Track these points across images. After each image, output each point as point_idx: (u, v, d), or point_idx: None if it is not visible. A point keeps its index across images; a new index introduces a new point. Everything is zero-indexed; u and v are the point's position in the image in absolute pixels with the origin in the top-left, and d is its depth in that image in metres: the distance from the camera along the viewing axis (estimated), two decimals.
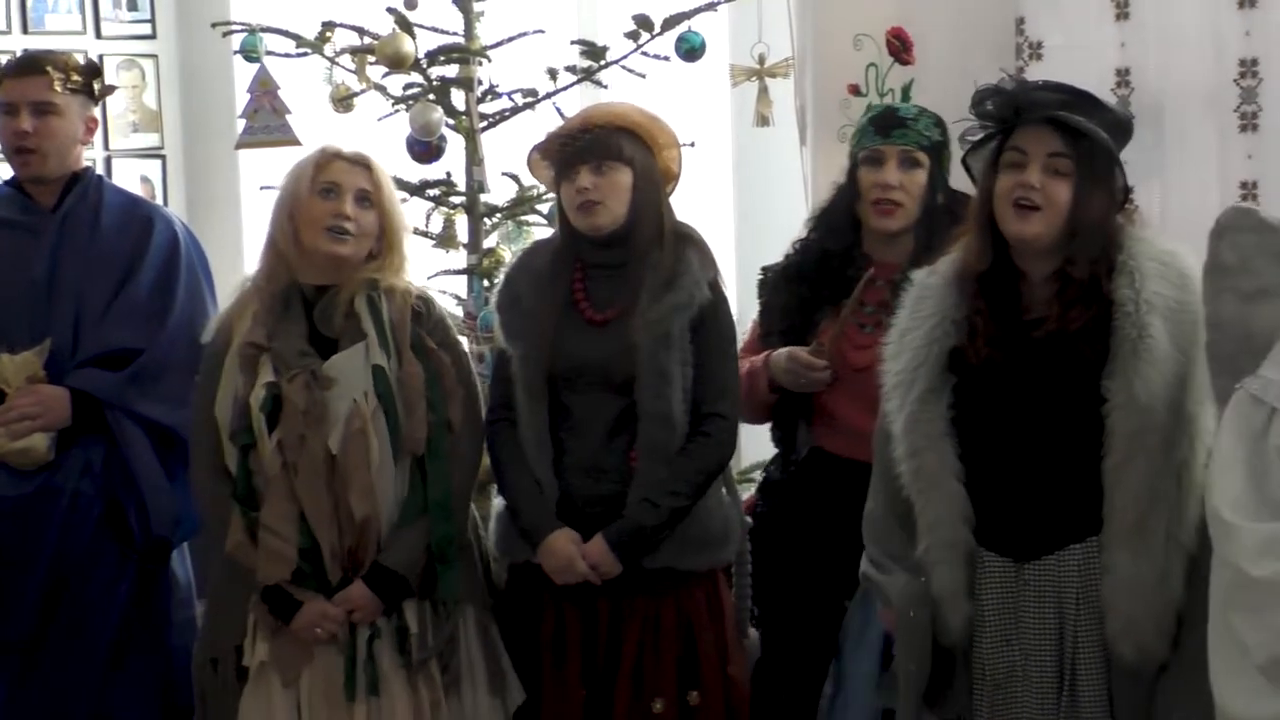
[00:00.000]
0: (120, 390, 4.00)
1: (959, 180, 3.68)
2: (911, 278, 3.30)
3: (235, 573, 3.55)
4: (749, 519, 3.87)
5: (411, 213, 4.11)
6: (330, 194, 3.55)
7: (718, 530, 3.66)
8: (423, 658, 3.55)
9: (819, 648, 3.63)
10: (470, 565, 3.67)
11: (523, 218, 4.58)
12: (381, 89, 4.53)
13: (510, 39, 4.52)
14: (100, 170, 5.55)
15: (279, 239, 3.58)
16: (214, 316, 3.81)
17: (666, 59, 4.43)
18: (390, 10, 4.41)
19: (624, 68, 4.47)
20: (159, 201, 5.79)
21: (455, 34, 4.53)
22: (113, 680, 4.02)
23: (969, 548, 3.11)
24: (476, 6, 4.53)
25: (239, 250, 5.76)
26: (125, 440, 4.01)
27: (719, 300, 3.65)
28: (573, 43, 4.56)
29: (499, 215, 4.57)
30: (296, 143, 4.44)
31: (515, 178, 4.52)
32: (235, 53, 4.66)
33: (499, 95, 4.54)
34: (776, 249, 3.95)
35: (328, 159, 3.59)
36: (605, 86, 4.52)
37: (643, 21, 4.40)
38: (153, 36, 6.00)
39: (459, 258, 4.57)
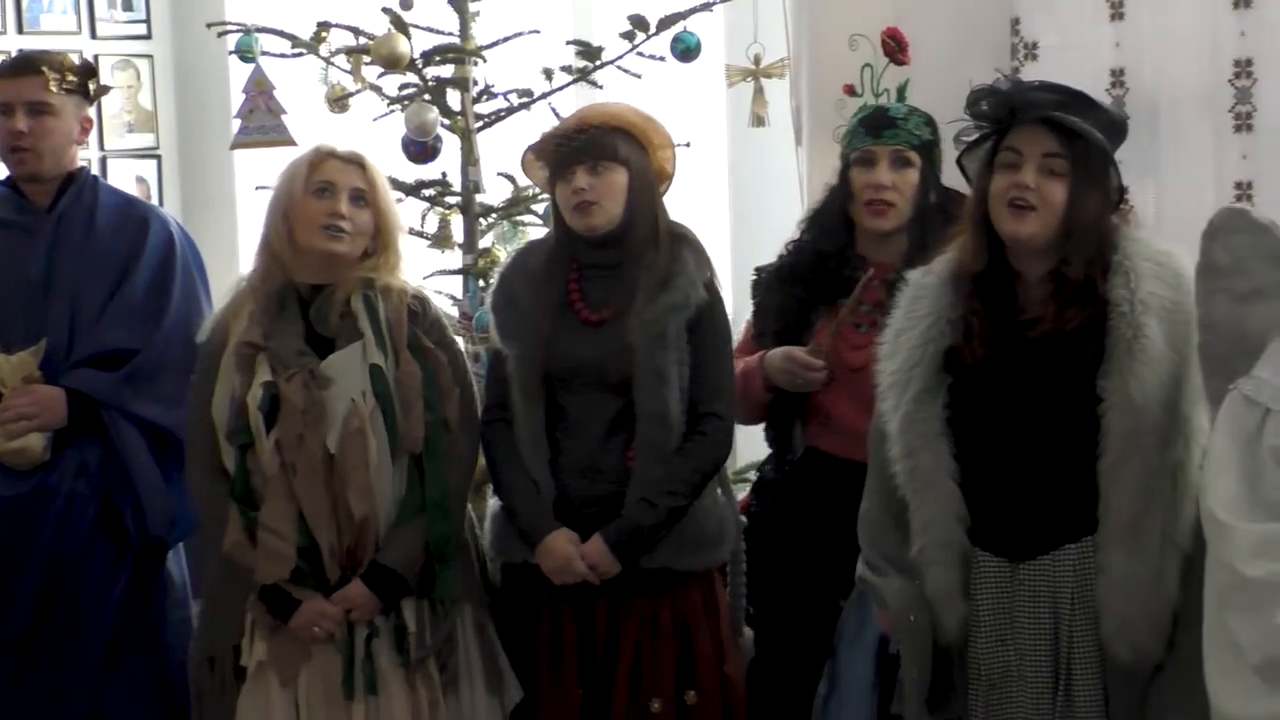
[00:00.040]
0: (116, 390, 4.00)
1: (950, 178, 3.69)
2: (907, 277, 3.30)
3: (232, 572, 3.55)
4: (743, 518, 3.87)
5: (407, 213, 4.12)
6: (325, 193, 3.55)
7: (714, 530, 3.66)
8: (421, 656, 3.55)
9: (814, 647, 3.62)
10: (467, 564, 3.67)
11: (518, 218, 4.58)
12: (377, 89, 4.53)
13: (505, 39, 4.52)
14: (95, 170, 5.53)
15: (274, 239, 3.58)
16: (209, 316, 3.80)
17: (662, 59, 4.43)
18: (385, 10, 4.41)
19: (619, 68, 4.47)
20: (154, 202, 5.77)
21: (450, 34, 4.53)
22: (108, 680, 4.01)
23: (964, 548, 3.12)
24: (472, 7, 4.53)
25: (234, 250, 5.75)
26: (121, 440, 4.01)
27: (714, 300, 3.65)
28: (568, 43, 4.56)
29: (494, 215, 4.57)
30: (292, 143, 4.43)
31: (511, 178, 4.52)
32: (230, 53, 4.65)
33: (494, 95, 4.54)
34: (772, 249, 3.95)
35: (322, 158, 3.59)
36: (601, 87, 4.52)
37: (638, 22, 4.40)
38: (148, 37, 5.99)
39: (454, 258, 4.57)
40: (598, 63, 4.48)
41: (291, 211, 3.55)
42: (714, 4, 4.45)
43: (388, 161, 4.05)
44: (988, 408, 3.12)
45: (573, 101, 4.51)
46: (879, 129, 3.75)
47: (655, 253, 3.60)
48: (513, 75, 4.60)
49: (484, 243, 4.55)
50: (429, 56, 4.49)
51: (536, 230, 4.45)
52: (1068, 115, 3.06)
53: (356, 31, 4.53)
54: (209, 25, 4.79)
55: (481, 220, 4.56)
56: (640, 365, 3.53)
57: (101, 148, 5.83)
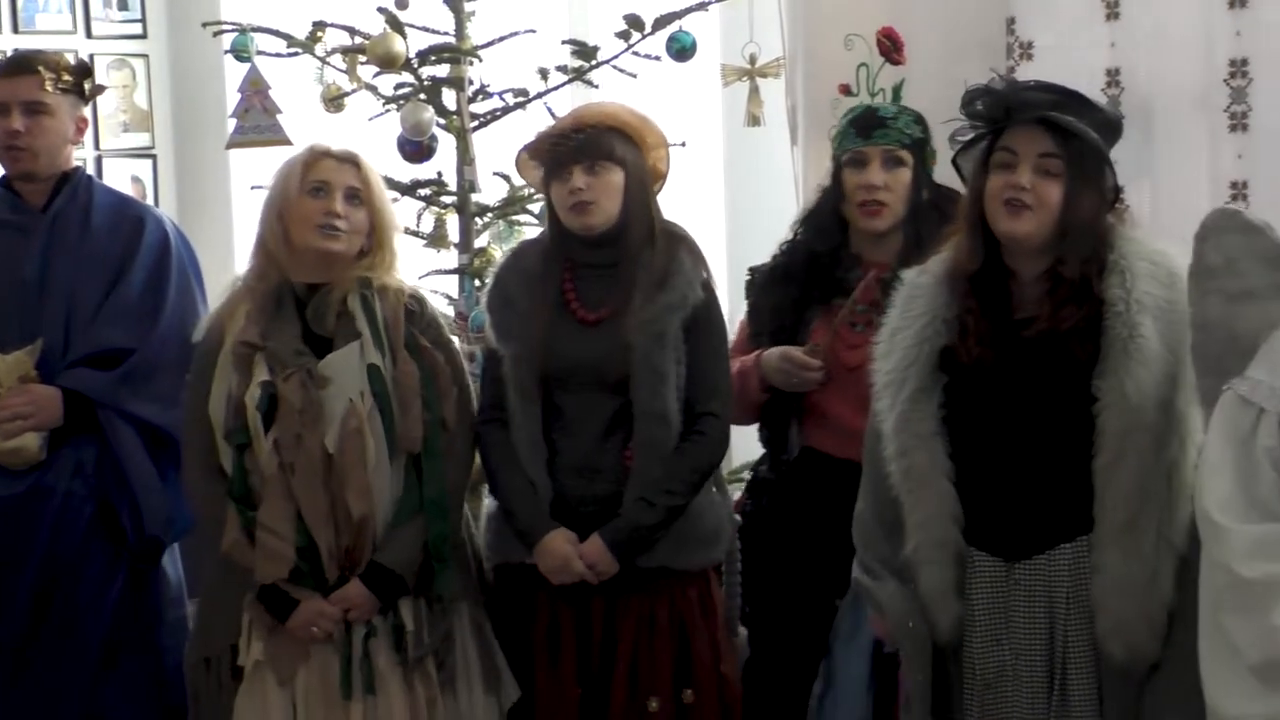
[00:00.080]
0: (112, 390, 4.00)
1: (942, 177, 3.69)
2: (902, 277, 3.30)
3: (229, 572, 3.55)
4: (738, 518, 3.88)
5: (403, 212, 4.11)
6: (320, 192, 3.55)
7: (711, 529, 3.66)
8: (419, 655, 3.55)
9: (809, 646, 3.63)
10: (464, 563, 3.68)
11: (514, 217, 4.58)
12: (372, 89, 4.54)
13: (501, 39, 4.52)
14: (91, 170, 5.54)
15: (269, 238, 3.58)
16: (204, 316, 3.80)
17: (658, 59, 4.43)
18: (381, 10, 4.40)
19: (615, 67, 4.47)
20: (150, 201, 5.78)
21: (446, 34, 4.53)
22: (104, 680, 4.02)
23: (958, 547, 3.12)
24: (467, 6, 4.53)
25: (230, 250, 5.75)
26: (117, 440, 4.01)
27: (711, 300, 3.66)
28: (564, 42, 4.56)
29: (490, 215, 4.57)
30: (287, 142, 4.44)
31: (506, 177, 4.52)
32: (226, 52, 4.65)
33: (490, 95, 4.54)
34: (767, 248, 3.95)
35: (316, 157, 3.59)
36: (596, 86, 4.52)
37: (634, 21, 4.40)
38: (143, 36, 5.99)
39: (450, 257, 4.58)
40: (593, 62, 4.48)
41: (287, 211, 3.55)
42: (709, 3, 4.44)
43: (383, 161, 4.05)
44: (983, 407, 3.13)
45: (568, 101, 4.52)
46: (869, 129, 3.75)
47: (652, 252, 3.60)
48: (508, 75, 4.60)
49: (479, 242, 4.55)
50: (424, 56, 4.48)
51: (532, 230, 4.45)
52: (1063, 115, 3.06)
53: (352, 31, 4.53)
54: (204, 25, 4.79)
55: (477, 220, 4.56)
56: (638, 364, 3.53)
57: (97, 147, 5.83)
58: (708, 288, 3.65)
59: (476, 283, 4.38)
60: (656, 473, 3.54)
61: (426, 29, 4.52)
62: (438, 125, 4.46)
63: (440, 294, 4.45)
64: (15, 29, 5.66)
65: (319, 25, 4.55)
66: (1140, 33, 4.08)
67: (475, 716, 3.62)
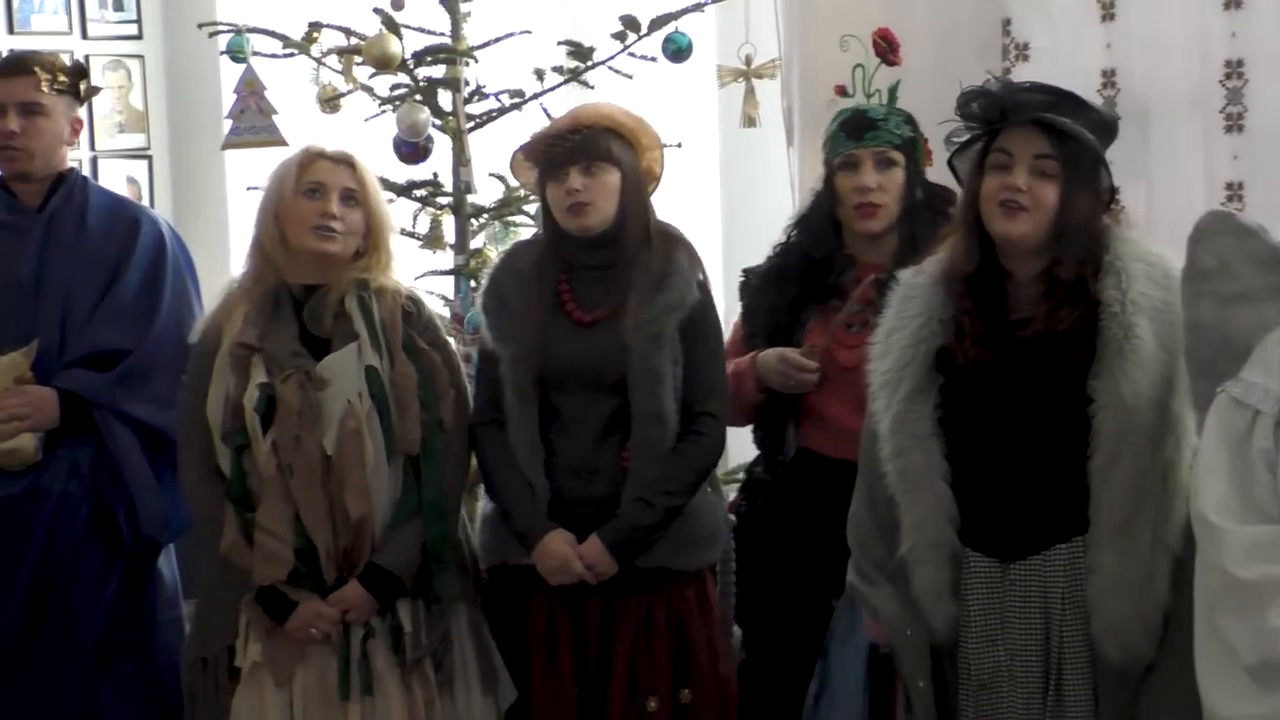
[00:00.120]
0: (108, 391, 4.00)
1: (938, 177, 3.69)
2: (898, 277, 3.31)
3: (227, 573, 3.55)
4: (732, 518, 3.88)
5: (398, 213, 4.11)
6: (315, 194, 3.54)
7: (708, 529, 3.67)
8: (417, 657, 3.55)
9: (805, 647, 3.63)
10: (462, 564, 3.68)
11: (510, 218, 4.58)
12: (368, 89, 4.53)
13: (497, 39, 4.52)
14: (87, 171, 5.55)
15: (265, 240, 3.58)
16: (201, 317, 3.80)
17: (653, 60, 4.43)
18: (377, 11, 4.40)
19: (611, 68, 4.47)
20: (145, 202, 5.78)
21: (442, 34, 4.53)
22: (100, 680, 4.01)
23: (954, 548, 3.12)
24: (463, 7, 4.53)
25: (226, 250, 5.75)
26: (114, 440, 4.00)
27: (707, 301, 3.66)
28: (560, 43, 4.56)
29: (486, 216, 4.57)
30: (283, 143, 4.44)
31: (502, 178, 4.52)
32: (222, 53, 4.65)
33: (486, 96, 4.54)
34: (763, 249, 3.95)
35: (311, 159, 3.59)
36: (592, 87, 4.52)
37: (629, 22, 4.40)
38: (139, 37, 6.00)
39: (446, 258, 4.57)
40: (589, 63, 4.48)
41: (282, 212, 3.55)
42: (705, 4, 4.44)
43: (379, 162, 4.05)
44: (979, 408, 3.13)
45: (564, 102, 4.52)
46: (860, 131, 3.76)
47: (648, 253, 3.60)
48: (504, 76, 4.59)
49: (475, 243, 4.55)
50: (420, 57, 4.48)
51: (528, 231, 4.45)
52: (1058, 116, 3.06)
53: (348, 32, 4.52)
54: (200, 25, 4.79)
55: (473, 221, 4.56)
56: (636, 365, 3.53)
57: (93, 148, 5.83)
58: (704, 288, 3.65)
59: (472, 284, 4.38)
60: (654, 473, 3.54)
61: (422, 30, 4.52)
62: (433, 126, 4.46)
63: (436, 295, 4.45)
64: (11, 30, 5.66)
65: (314, 26, 4.55)
66: (1136, 34, 4.09)
67: (472, 717, 3.62)
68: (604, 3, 5.06)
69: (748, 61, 4.62)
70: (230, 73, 4.80)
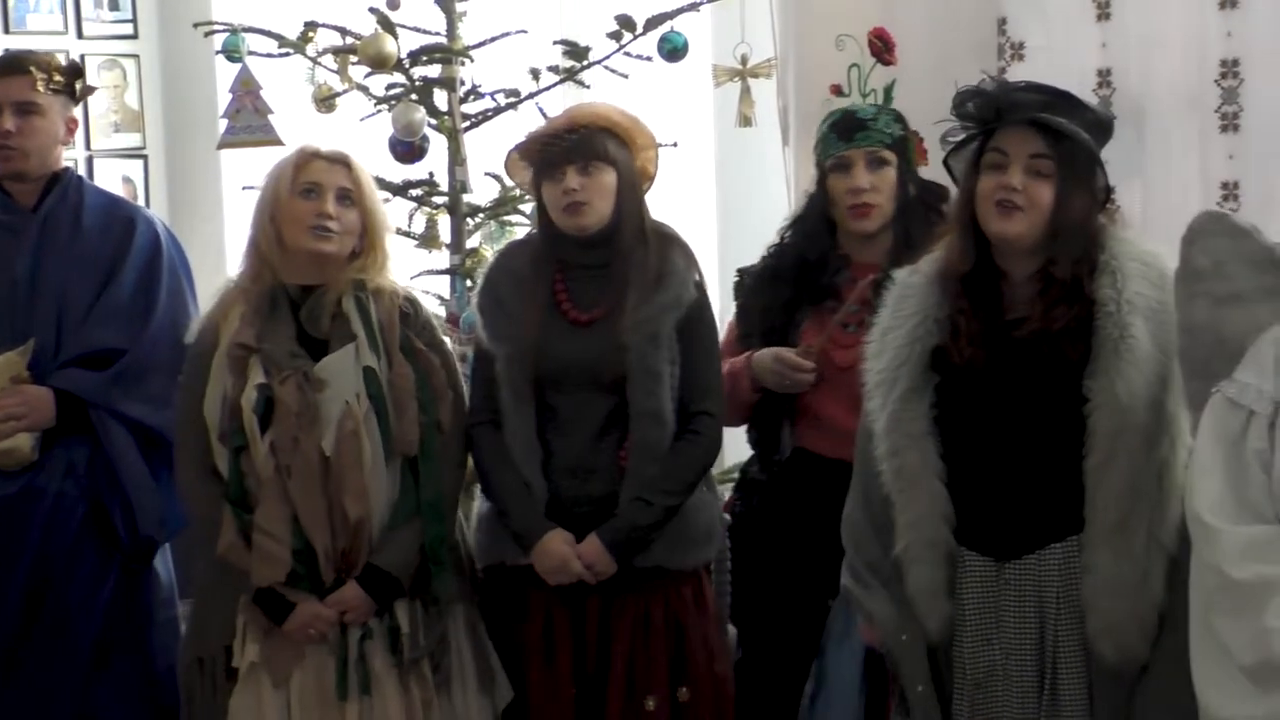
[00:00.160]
0: (104, 390, 4.00)
1: (934, 177, 3.70)
2: (894, 276, 3.31)
3: (224, 573, 3.54)
4: (727, 517, 3.88)
5: (394, 213, 4.11)
6: (311, 194, 3.54)
7: (704, 528, 3.67)
8: (414, 657, 3.55)
9: (801, 646, 3.63)
10: (459, 565, 3.68)
11: (505, 218, 4.58)
12: (364, 89, 4.54)
13: (493, 39, 4.53)
14: (82, 170, 5.56)
15: (261, 240, 3.58)
16: (197, 317, 3.80)
17: (649, 59, 4.43)
18: (372, 10, 4.40)
19: (607, 68, 4.47)
20: (141, 202, 5.78)
21: (438, 34, 4.53)
22: (96, 680, 4.01)
23: (949, 547, 3.12)
24: (459, 6, 4.53)
25: (221, 250, 5.75)
26: (110, 440, 4.00)
27: (704, 300, 3.67)
28: (555, 43, 4.56)
29: (482, 215, 4.57)
30: (279, 143, 4.43)
31: (498, 178, 4.52)
32: (217, 53, 4.66)
33: (481, 95, 4.54)
34: (759, 249, 3.95)
35: (306, 159, 3.59)
36: (588, 87, 4.52)
37: (625, 22, 4.40)
38: (134, 36, 5.99)
39: (442, 258, 4.57)
40: (585, 63, 4.48)
41: (278, 213, 3.55)
42: (701, 4, 4.45)
43: (375, 161, 4.05)
44: (974, 407, 3.13)
45: (560, 101, 4.51)
46: (850, 132, 3.76)
47: (644, 252, 3.60)
48: (500, 75, 4.60)
49: (471, 243, 4.55)
50: (416, 56, 4.48)
51: (524, 230, 4.45)
52: (1054, 116, 3.06)
53: (343, 31, 4.53)
54: (196, 25, 4.79)
55: (469, 220, 4.56)
56: (634, 365, 3.54)
57: (88, 147, 5.83)
58: (700, 288, 3.66)
59: (468, 283, 4.38)
60: (653, 472, 3.54)
61: (418, 29, 4.52)
62: (429, 126, 4.46)
63: (432, 295, 4.45)
64: (6, 29, 5.67)
65: (310, 25, 4.55)
66: (1131, 33, 4.10)
67: (470, 718, 3.62)
68: (599, 2, 5.06)
69: (743, 61, 4.62)
70: (226, 72, 4.81)
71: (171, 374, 3.78)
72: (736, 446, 4.08)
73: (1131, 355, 2.99)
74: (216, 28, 4.63)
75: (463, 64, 4.51)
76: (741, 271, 3.97)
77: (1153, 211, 4.04)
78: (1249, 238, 2.89)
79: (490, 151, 4.46)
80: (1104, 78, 4.14)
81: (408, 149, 4.47)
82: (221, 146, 4.68)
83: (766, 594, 3.82)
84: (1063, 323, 3.06)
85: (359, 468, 3.48)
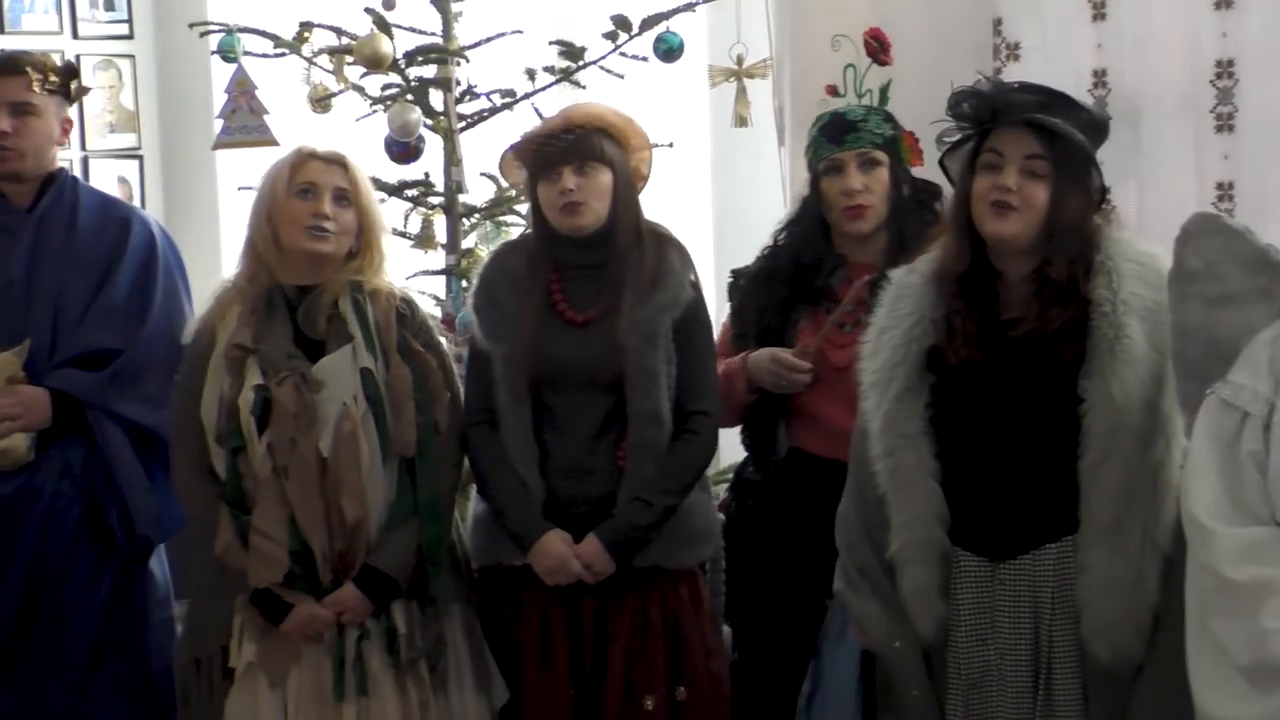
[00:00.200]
0: (100, 391, 3.99)
1: (930, 177, 3.70)
2: (890, 276, 3.31)
3: (221, 573, 3.54)
4: (721, 516, 3.88)
5: (390, 213, 4.11)
6: (308, 194, 3.54)
7: (701, 527, 3.67)
8: (411, 658, 3.55)
9: (798, 646, 3.63)
10: (455, 565, 3.68)
11: (501, 218, 4.58)
12: (359, 89, 4.53)
13: (488, 39, 4.52)
14: (78, 170, 5.55)
15: (258, 241, 3.58)
16: (193, 318, 3.80)
17: (645, 59, 4.44)
18: (368, 11, 4.41)
19: (602, 68, 4.48)
20: (136, 202, 5.77)
21: (433, 34, 4.53)
22: (92, 680, 4.01)
23: (943, 547, 3.12)
24: (455, 7, 4.53)
25: (217, 250, 5.74)
26: (106, 440, 4.00)
27: (700, 300, 3.67)
28: (551, 43, 4.56)
29: (477, 216, 4.57)
30: (274, 143, 4.43)
31: (494, 178, 4.52)
32: (213, 53, 4.65)
33: (477, 96, 4.54)
34: (755, 249, 3.95)
35: (303, 159, 3.59)
36: (584, 87, 4.52)
37: (621, 22, 4.41)
38: (130, 37, 5.98)
39: (437, 258, 4.57)
40: (580, 63, 4.48)
41: (275, 213, 3.55)
42: (696, 4, 4.45)
43: (370, 162, 4.05)
44: (969, 407, 3.13)
45: (556, 102, 4.51)
46: (840, 134, 3.76)
47: (640, 253, 3.61)
48: (495, 75, 4.60)
49: (467, 243, 4.55)
50: (412, 57, 4.49)
51: (519, 231, 4.45)
52: (1049, 117, 3.07)
53: (339, 31, 4.53)
54: (191, 25, 4.79)
55: (464, 221, 4.56)
56: (632, 365, 3.54)
57: (83, 148, 5.82)
58: (696, 287, 3.66)
59: (464, 284, 4.38)
60: (651, 472, 3.54)
61: (414, 29, 4.52)
62: (425, 126, 4.46)
63: (427, 295, 4.45)
64: (1, 29, 5.65)
65: (306, 26, 4.55)
66: (1127, 34, 4.10)
67: (467, 718, 3.62)
68: (595, 2, 5.06)
69: (739, 61, 4.62)
70: (221, 72, 4.80)
71: (167, 374, 3.78)
72: (731, 447, 4.08)
73: (1127, 355, 2.99)
74: (212, 28, 4.62)
75: (458, 64, 4.51)
76: (736, 273, 3.97)
77: (1148, 212, 4.04)
78: (1241, 239, 2.89)
79: (486, 152, 4.46)
80: (1099, 78, 4.15)
81: (403, 149, 4.47)
82: (217, 147, 4.67)
83: (763, 594, 3.82)
84: (1058, 323, 3.06)
85: (356, 469, 3.48)
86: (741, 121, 4.64)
